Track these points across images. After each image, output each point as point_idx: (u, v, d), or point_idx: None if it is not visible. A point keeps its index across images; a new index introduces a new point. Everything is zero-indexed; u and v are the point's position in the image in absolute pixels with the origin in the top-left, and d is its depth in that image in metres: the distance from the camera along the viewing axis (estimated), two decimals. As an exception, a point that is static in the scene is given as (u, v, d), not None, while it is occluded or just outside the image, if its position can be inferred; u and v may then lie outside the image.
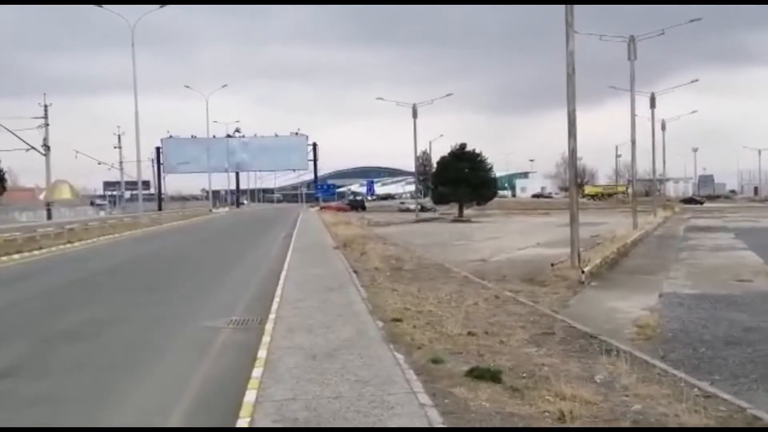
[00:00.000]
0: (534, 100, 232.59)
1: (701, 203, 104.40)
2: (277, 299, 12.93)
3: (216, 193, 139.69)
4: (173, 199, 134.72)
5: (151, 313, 12.65)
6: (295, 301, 12.67)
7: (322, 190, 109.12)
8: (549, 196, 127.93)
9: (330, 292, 13.77)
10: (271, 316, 11.27)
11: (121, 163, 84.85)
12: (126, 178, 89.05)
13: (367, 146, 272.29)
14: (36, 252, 26.46)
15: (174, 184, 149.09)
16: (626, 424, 6.32)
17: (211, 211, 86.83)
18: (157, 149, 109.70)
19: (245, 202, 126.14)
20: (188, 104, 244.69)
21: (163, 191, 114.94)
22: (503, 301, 13.61)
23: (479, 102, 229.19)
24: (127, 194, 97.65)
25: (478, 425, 6.13)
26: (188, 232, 41.41)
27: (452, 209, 72.09)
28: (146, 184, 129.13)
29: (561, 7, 20.62)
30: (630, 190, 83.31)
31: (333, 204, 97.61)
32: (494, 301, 13.53)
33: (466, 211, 67.28)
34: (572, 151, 20.84)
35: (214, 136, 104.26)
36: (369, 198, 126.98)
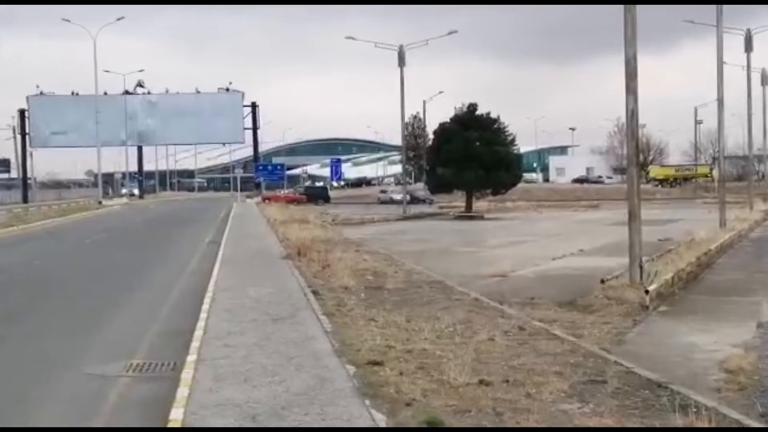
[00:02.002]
0: (575, 40, 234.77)
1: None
2: (198, 334, 12.86)
3: (109, 178, 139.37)
4: (46, 186, 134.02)
5: (10, 353, 12.55)
6: (226, 336, 12.60)
7: (265, 173, 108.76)
8: (598, 181, 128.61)
9: (277, 323, 13.70)
10: (190, 357, 11.21)
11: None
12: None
13: (333, 110, 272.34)
14: None
15: (46, 163, 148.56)
16: None
17: (101, 203, 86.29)
18: (21, 112, 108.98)
19: (135, 192, 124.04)
20: (67, 46, 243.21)
21: (30, 175, 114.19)
22: (531, 335, 13.62)
23: (495, 44, 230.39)
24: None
25: None
26: (67, 236, 41.12)
27: (456, 200, 72.18)
28: (4, 164, 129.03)
29: None
30: (715, 173, 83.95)
31: (282, 193, 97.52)
32: (518, 335, 13.53)
33: (478, 203, 67.42)
34: (631, 115, 20.90)
35: (105, 93, 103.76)
36: (335, 184, 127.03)
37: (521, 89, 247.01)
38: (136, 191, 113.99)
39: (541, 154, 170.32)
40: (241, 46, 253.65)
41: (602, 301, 18.26)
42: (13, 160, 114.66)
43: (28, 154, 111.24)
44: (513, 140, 67.27)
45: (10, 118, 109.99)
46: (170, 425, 8.28)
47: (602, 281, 19.76)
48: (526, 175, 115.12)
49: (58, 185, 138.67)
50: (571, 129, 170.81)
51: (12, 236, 41.10)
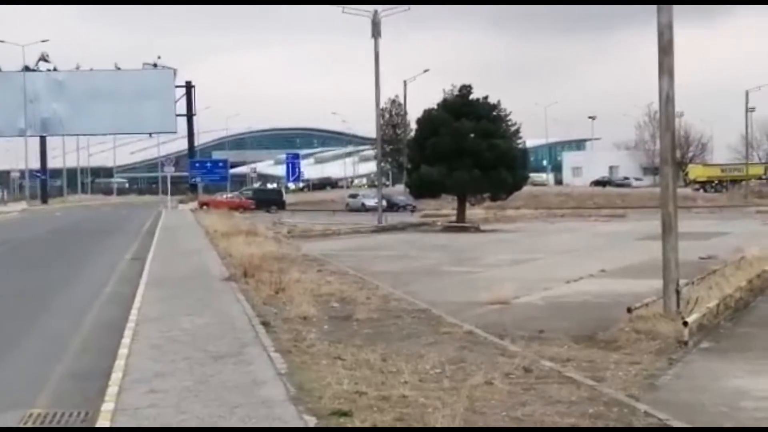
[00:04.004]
0: (596, 7, 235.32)
1: None
2: (117, 376, 12.81)
3: (4, 177, 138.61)
4: None
5: None
6: (152, 379, 12.57)
7: (202, 172, 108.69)
8: (623, 184, 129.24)
9: (217, 363, 13.68)
10: (106, 406, 11.19)
11: None
12: None
13: (290, 92, 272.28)
14: None
15: None
16: None
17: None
18: None
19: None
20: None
21: None
22: (539, 378, 13.64)
23: (494, 10, 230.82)
24: None
25: None
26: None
27: (445, 207, 72.29)
28: None
29: None
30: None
31: (224, 197, 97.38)
32: (522, 378, 13.55)
33: (472, 211, 67.54)
34: (666, 101, 20.98)
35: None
36: (292, 186, 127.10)
37: (527, 68, 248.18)
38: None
39: (553, 150, 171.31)
40: (171, 8, 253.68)
41: (629, 335, 18.29)
42: None
43: None
44: (517, 132, 67.33)
45: None
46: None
47: (629, 310, 19.80)
48: (534, 176, 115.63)
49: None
50: (590, 118, 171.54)
51: None
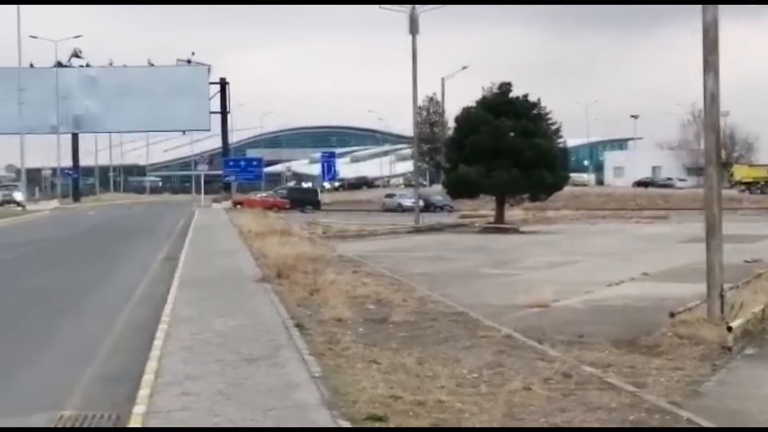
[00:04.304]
0: (640, 5, 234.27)
1: None
2: (148, 378, 12.88)
3: (36, 175, 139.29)
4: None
5: None
6: (184, 382, 12.64)
7: (236, 170, 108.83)
8: (666, 185, 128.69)
9: (250, 365, 13.72)
10: (138, 409, 11.25)
11: None
12: None
13: (326, 90, 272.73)
14: None
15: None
16: None
17: (24, 207, 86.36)
18: None
19: (17, 198, 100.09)
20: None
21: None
22: (579, 384, 13.60)
23: (534, 7, 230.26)
24: None
25: None
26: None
27: (483, 207, 72.19)
28: None
29: None
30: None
31: (259, 197, 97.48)
32: (562, 384, 13.51)
33: (511, 212, 67.40)
34: (711, 100, 20.87)
35: (31, 66, 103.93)
36: (327, 185, 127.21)
37: (568, 66, 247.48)
38: (18, 195, 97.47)
39: (594, 149, 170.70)
40: (205, 8, 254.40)
41: (672, 340, 18.22)
42: None
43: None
44: (558, 131, 67.04)
45: None
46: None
47: (672, 315, 19.71)
48: (575, 176, 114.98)
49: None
50: (633, 117, 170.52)
51: None
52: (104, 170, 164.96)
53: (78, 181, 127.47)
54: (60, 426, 11.28)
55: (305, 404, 11.48)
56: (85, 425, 11.26)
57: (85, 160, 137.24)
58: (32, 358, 15.70)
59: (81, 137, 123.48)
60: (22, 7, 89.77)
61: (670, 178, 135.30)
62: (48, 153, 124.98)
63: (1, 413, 11.84)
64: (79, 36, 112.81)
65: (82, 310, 21.29)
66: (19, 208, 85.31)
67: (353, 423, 10.55)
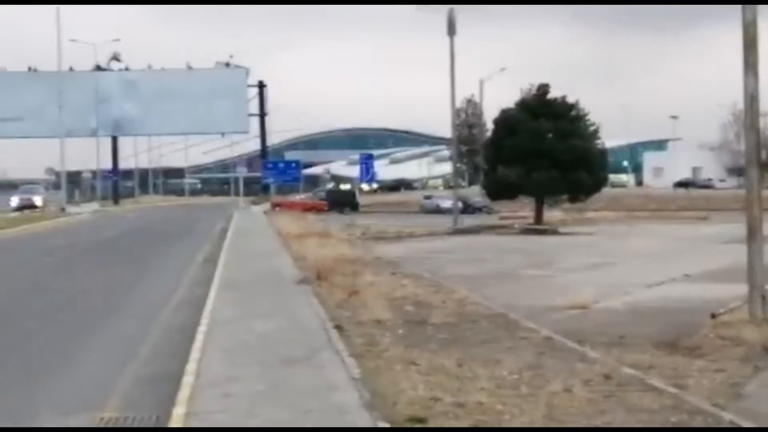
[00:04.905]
0: (680, 5, 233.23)
1: None
2: (188, 380, 12.93)
3: (75, 177, 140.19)
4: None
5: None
6: (224, 383, 12.67)
7: (275, 172, 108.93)
8: (707, 186, 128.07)
9: (289, 367, 13.75)
10: (178, 410, 11.31)
11: None
12: None
13: (364, 91, 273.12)
14: None
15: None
16: None
17: (64, 210, 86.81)
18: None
19: (36, 203, 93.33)
20: (23, 8, 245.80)
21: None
22: (620, 386, 13.54)
23: (573, 9, 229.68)
24: None
25: None
26: (20, 252, 41.43)
27: (522, 209, 72.02)
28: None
29: None
30: None
31: (297, 198, 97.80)
32: (603, 386, 13.46)
33: (550, 213, 67.24)
34: (751, 100, 20.74)
35: (71, 69, 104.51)
36: (366, 187, 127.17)
37: (606, 67, 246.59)
38: (37, 199, 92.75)
39: (633, 150, 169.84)
40: (242, 8, 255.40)
41: (713, 341, 18.13)
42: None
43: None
44: (596, 132, 66.94)
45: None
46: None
47: (713, 316, 19.63)
48: (613, 177, 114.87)
49: (9, 186, 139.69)
50: (672, 118, 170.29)
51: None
52: (143, 173, 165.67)
53: (117, 183, 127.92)
54: (101, 427, 11.35)
55: (345, 406, 11.50)
56: (125, 426, 11.34)
57: (124, 163, 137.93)
58: (72, 359, 15.82)
59: (120, 140, 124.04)
60: (62, 11, 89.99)
61: (710, 179, 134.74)
62: (88, 156, 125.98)
63: (42, 414, 11.93)
64: (117, 39, 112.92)
65: (121, 312, 21.41)
66: (95, 207, 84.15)
67: (393, 425, 10.56)
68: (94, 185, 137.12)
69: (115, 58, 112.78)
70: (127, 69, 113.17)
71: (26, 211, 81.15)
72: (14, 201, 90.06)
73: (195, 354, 14.85)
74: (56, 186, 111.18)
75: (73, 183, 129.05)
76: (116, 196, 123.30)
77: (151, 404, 12.13)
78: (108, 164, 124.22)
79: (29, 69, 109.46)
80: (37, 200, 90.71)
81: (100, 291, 25.58)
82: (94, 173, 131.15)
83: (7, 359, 16.02)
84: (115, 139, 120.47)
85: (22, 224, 62.82)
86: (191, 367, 13.84)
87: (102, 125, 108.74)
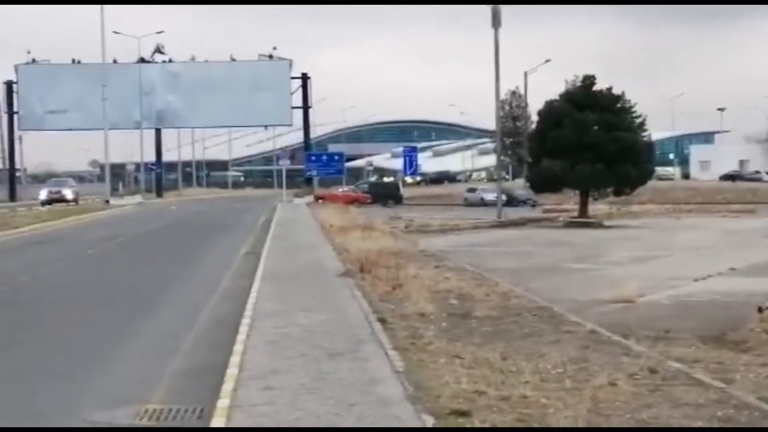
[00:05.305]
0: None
1: None
2: (232, 372, 12.98)
3: (120, 170, 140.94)
4: (38, 180, 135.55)
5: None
6: (268, 376, 12.70)
7: (318, 165, 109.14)
8: (754, 179, 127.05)
9: (333, 360, 13.76)
10: (222, 402, 11.34)
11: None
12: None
13: (407, 84, 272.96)
14: None
15: (39, 151, 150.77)
16: None
17: (108, 202, 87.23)
18: (8, 85, 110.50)
19: (67, 196, 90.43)
20: (70, 3, 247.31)
21: (18, 166, 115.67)
22: (665, 380, 13.48)
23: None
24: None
25: None
26: (65, 244, 41.66)
27: (567, 202, 71.86)
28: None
29: None
30: None
31: (340, 191, 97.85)
32: (648, 379, 13.40)
33: (595, 206, 67.03)
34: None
35: (114, 62, 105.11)
36: (409, 180, 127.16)
37: (653, 58, 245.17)
38: (68, 192, 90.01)
39: (680, 143, 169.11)
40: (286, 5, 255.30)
41: (760, 335, 18.04)
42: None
43: (16, 138, 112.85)
44: (642, 124, 66.57)
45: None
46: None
47: (760, 310, 19.53)
48: (659, 170, 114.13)
49: (54, 178, 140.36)
50: (719, 110, 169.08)
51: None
52: (187, 165, 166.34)
53: (161, 176, 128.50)
54: (145, 420, 11.39)
55: (388, 399, 11.49)
56: (169, 418, 11.37)
57: (167, 156, 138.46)
58: (117, 351, 15.88)
59: (164, 132, 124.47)
60: (106, 3, 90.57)
61: (758, 172, 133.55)
62: (132, 148, 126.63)
63: (92, 407, 11.98)
64: (161, 32, 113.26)
65: (165, 304, 21.50)
66: (139, 199, 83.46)
67: (437, 418, 10.53)
68: (138, 178, 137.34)
69: (159, 50, 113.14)
70: (170, 61, 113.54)
71: (56, 205, 80.00)
72: (43, 194, 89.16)
73: (238, 346, 14.88)
74: (100, 178, 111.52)
75: (117, 175, 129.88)
76: (159, 189, 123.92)
77: (196, 396, 12.15)
78: (151, 157, 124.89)
79: (73, 61, 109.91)
80: (68, 193, 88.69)
81: (143, 283, 25.68)
82: (137, 166, 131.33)
83: (56, 351, 16.12)
84: (158, 132, 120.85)
85: (67, 216, 63.10)
86: (235, 359, 13.86)
87: (145, 117, 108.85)
